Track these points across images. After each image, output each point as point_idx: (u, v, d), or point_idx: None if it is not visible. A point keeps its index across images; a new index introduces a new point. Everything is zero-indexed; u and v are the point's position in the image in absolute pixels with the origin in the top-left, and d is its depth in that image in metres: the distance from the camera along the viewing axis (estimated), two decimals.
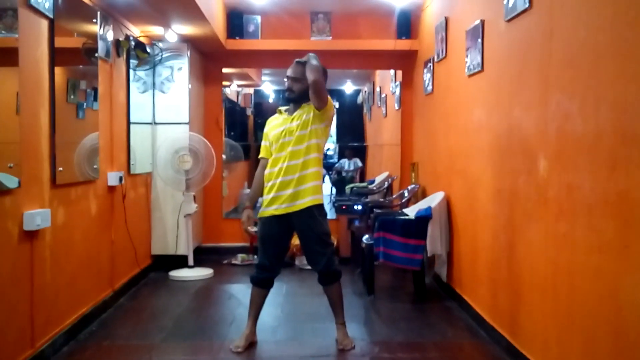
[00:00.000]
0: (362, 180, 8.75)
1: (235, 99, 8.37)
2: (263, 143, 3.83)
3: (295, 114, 3.69)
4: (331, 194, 9.16)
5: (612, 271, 2.41)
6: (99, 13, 4.30)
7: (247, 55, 6.76)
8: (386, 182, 7.23)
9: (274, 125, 3.76)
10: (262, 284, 3.81)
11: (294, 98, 3.69)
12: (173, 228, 5.87)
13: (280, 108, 3.81)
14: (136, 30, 5.35)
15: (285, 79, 3.71)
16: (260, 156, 3.84)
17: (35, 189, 3.33)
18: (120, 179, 4.70)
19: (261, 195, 3.78)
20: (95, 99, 4.31)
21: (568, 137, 2.79)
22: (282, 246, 3.82)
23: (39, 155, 3.39)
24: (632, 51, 2.28)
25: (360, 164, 9.09)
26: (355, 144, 9.21)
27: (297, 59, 3.71)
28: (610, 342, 2.44)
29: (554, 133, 2.93)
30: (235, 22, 6.46)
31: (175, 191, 5.78)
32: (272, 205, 3.66)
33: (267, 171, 3.72)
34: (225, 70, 6.98)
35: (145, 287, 5.28)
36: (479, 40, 4.08)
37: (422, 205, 5.12)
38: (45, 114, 3.47)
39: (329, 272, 3.74)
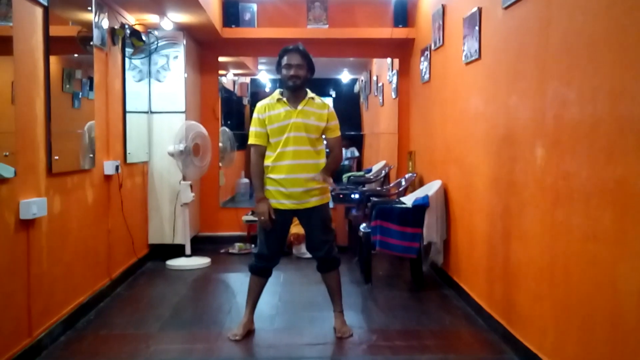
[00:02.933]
0: (359, 169, 8.75)
1: (231, 88, 8.34)
2: (258, 129, 3.65)
3: (299, 107, 3.62)
4: None
5: (609, 259, 2.41)
6: (93, 1, 4.26)
7: (244, 43, 6.73)
8: (383, 171, 7.23)
9: (275, 116, 3.62)
10: (261, 273, 3.82)
11: (300, 85, 3.63)
12: (170, 217, 5.86)
13: (279, 96, 3.68)
14: (131, 19, 5.32)
15: (288, 67, 3.60)
16: (255, 143, 3.67)
17: (32, 178, 3.32)
18: (117, 168, 4.68)
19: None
20: (91, 88, 4.28)
21: (565, 125, 2.78)
22: (283, 236, 3.83)
23: (35, 144, 3.38)
24: (629, 38, 2.28)
25: (357, 153, 9.09)
26: (352, 133, 9.19)
27: (291, 47, 3.65)
28: (606, 329, 2.45)
29: (551, 121, 2.92)
30: (231, 10, 6.42)
31: (172, 180, 5.80)
32: (281, 199, 3.64)
33: (270, 163, 3.64)
34: (221, 58, 6.95)
35: (142, 276, 5.28)
36: (476, 28, 4.07)
37: (419, 193, 5.12)
38: (41, 103, 3.45)
39: (329, 258, 3.77)
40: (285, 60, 3.63)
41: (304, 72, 3.63)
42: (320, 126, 3.67)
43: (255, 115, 3.69)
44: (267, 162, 3.66)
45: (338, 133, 3.78)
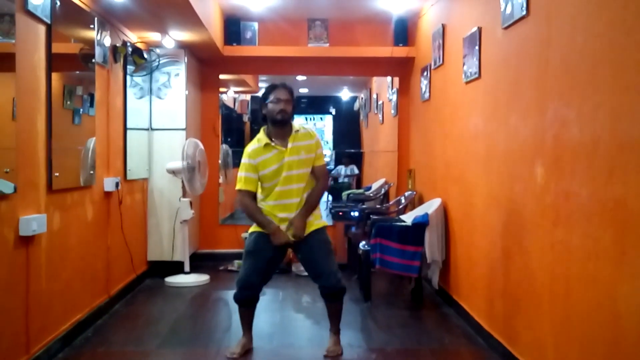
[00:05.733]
0: (358, 186, 8.75)
1: (232, 106, 8.37)
2: (250, 175, 3.62)
3: (290, 145, 3.63)
4: (327, 201, 9.16)
5: (609, 278, 2.41)
6: (96, 19, 4.30)
7: (244, 61, 6.76)
8: (383, 189, 7.23)
9: (267, 160, 3.61)
10: (248, 304, 3.76)
11: (287, 119, 3.67)
12: (169, 234, 5.85)
13: (266, 140, 3.64)
14: (133, 36, 5.35)
15: (277, 101, 3.61)
16: (245, 188, 3.63)
17: (32, 194, 3.32)
18: (117, 184, 4.68)
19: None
20: (92, 104, 4.30)
21: (565, 144, 2.79)
22: (274, 265, 3.78)
23: (36, 160, 3.38)
24: (629, 58, 2.29)
25: (356, 170, 9.10)
26: (352, 151, 9.22)
27: (278, 84, 3.72)
28: (607, 350, 2.44)
29: (551, 140, 2.93)
30: (233, 28, 6.46)
31: (172, 197, 5.81)
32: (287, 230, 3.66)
33: (268, 202, 3.65)
34: (222, 76, 6.99)
35: (141, 293, 5.26)
36: (476, 47, 4.09)
37: (418, 211, 5.12)
38: (42, 119, 3.46)
39: (338, 287, 3.67)
40: (273, 95, 3.65)
41: (291, 108, 3.68)
42: (311, 157, 3.69)
43: (245, 160, 3.66)
44: (262, 203, 3.68)
45: (323, 161, 3.79)
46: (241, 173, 3.65)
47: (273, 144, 3.65)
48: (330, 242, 3.77)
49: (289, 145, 3.64)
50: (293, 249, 3.79)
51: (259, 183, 3.67)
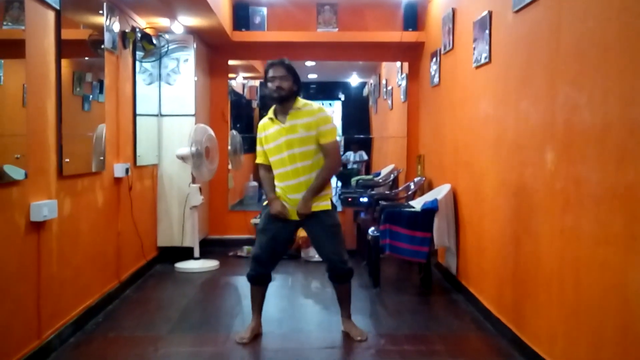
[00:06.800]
0: (367, 172, 8.74)
1: (241, 92, 8.36)
2: (260, 149, 3.78)
3: (287, 124, 3.59)
4: (337, 187, 9.16)
5: (619, 264, 2.40)
6: (105, 4, 4.30)
7: (253, 47, 6.73)
8: (392, 175, 7.22)
9: (270, 135, 3.67)
10: (259, 282, 3.81)
11: (285, 96, 3.60)
12: (179, 220, 5.88)
13: (271, 115, 3.69)
14: (142, 22, 5.34)
15: (272, 80, 3.58)
16: (260, 162, 3.79)
17: (42, 180, 3.34)
18: (127, 170, 4.70)
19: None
20: (101, 91, 4.31)
21: (576, 129, 2.77)
22: (283, 241, 3.79)
23: (46, 146, 3.40)
24: None
25: (365, 156, 9.09)
26: (361, 137, 9.20)
27: (276, 61, 3.65)
28: (617, 335, 2.43)
29: (562, 125, 2.91)
30: (241, 13, 6.44)
31: (182, 183, 5.83)
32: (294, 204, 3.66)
33: (283, 184, 3.66)
34: (231, 62, 6.98)
35: (151, 279, 5.30)
36: (487, 31, 4.06)
37: (428, 197, 5.11)
38: (52, 106, 3.47)
39: (344, 269, 3.73)
40: (269, 73, 3.63)
41: (289, 84, 3.61)
42: (311, 135, 3.60)
43: (257, 134, 3.80)
44: (277, 171, 3.71)
45: (331, 138, 3.65)
46: (257, 147, 3.83)
47: (276, 119, 3.67)
48: (336, 225, 3.74)
49: (287, 123, 3.62)
50: (305, 229, 3.80)
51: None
